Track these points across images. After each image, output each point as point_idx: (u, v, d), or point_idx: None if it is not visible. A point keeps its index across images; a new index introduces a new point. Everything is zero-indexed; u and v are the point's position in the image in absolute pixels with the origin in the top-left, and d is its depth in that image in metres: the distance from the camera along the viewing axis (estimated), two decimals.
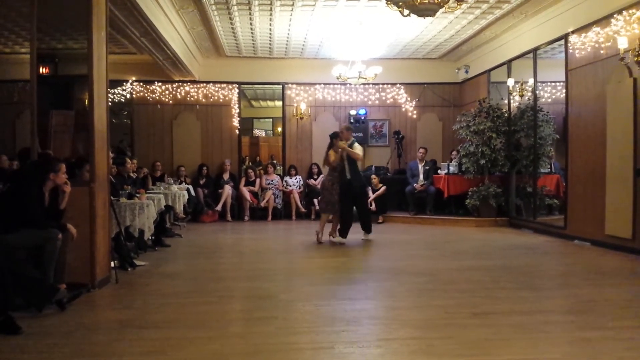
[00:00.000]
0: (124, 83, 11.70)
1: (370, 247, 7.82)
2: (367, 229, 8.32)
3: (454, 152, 11.14)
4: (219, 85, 12.04)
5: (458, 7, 6.18)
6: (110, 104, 5.85)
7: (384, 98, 12.43)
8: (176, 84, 11.89)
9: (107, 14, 5.53)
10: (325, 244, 7.89)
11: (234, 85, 12.08)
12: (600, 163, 7.32)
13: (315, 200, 11.44)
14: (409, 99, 12.42)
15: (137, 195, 6.89)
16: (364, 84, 11.31)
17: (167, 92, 11.90)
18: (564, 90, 8.45)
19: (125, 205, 6.52)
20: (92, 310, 4.51)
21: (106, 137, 5.46)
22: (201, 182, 11.41)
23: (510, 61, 9.99)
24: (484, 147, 10.02)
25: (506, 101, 10.42)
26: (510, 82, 9.98)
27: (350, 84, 11.17)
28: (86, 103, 5.38)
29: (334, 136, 8.25)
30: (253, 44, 10.81)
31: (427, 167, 11.09)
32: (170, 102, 11.91)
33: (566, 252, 7.38)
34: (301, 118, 12.25)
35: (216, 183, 11.56)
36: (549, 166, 9.90)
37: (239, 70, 12.01)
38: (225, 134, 12.07)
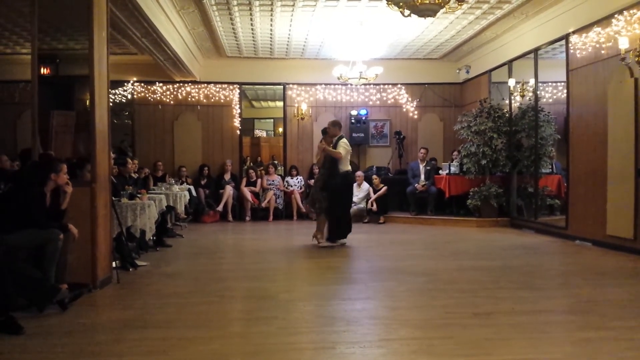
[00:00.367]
0: (125, 83, 11.71)
1: (370, 248, 7.81)
2: (329, 236, 7.73)
3: (455, 153, 11.13)
4: (220, 85, 12.05)
5: (459, 7, 6.18)
6: (111, 104, 5.86)
7: (385, 98, 12.43)
8: (177, 84, 11.90)
9: (108, 15, 5.54)
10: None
11: (235, 85, 12.09)
12: (602, 163, 7.31)
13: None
14: (410, 99, 12.42)
15: (139, 195, 6.89)
16: (364, 85, 11.31)
17: (168, 92, 11.91)
18: (565, 91, 8.45)
19: (126, 205, 6.52)
20: (93, 311, 4.52)
21: (107, 137, 5.47)
22: (202, 182, 11.42)
23: (511, 61, 9.99)
24: (485, 147, 10.02)
25: (507, 101, 10.41)
26: (511, 82, 9.98)
27: (351, 85, 11.17)
28: (87, 103, 5.38)
29: (325, 132, 8.10)
30: (254, 44, 10.82)
31: (428, 168, 11.09)
32: (172, 102, 11.92)
33: (567, 252, 7.38)
34: (302, 118, 12.26)
35: (217, 183, 11.57)
36: (550, 166, 9.89)
37: (240, 70, 12.02)
38: (226, 134, 12.08)
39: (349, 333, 3.81)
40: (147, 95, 11.88)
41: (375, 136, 12.47)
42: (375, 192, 10.94)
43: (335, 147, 7.71)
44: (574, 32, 7.90)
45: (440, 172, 11.05)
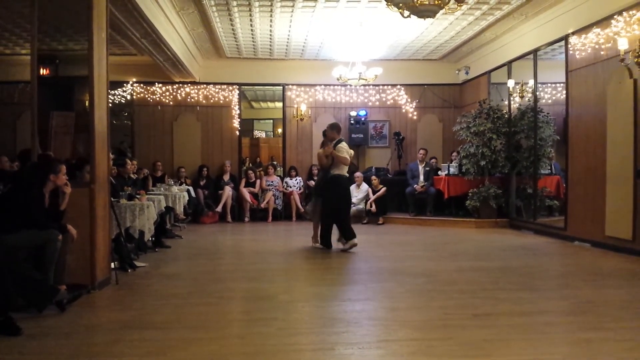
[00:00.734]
0: (125, 84, 11.72)
1: (370, 249, 7.80)
2: (321, 238, 7.64)
3: (454, 154, 11.14)
4: (219, 86, 12.05)
5: (458, 8, 6.18)
6: (110, 105, 5.85)
7: (384, 99, 12.44)
8: (176, 85, 11.91)
9: (108, 15, 5.54)
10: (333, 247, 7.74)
11: (234, 86, 12.10)
12: (601, 164, 7.32)
13: None
14: (409, 100, 12.42)
15: (138, 196, 6.89)
16: (364, 85, 11.31)
17: (167, 93, 11.91)
18: (564, 92, 8.45)
19: (125, 206, 6.52)
20: (92, 311, 4.51)
21: (106, 138, 5.47)
22: (201, 183, 11.42)
23: (510, 62, 10.00)
24: (484, 148, 10.02)
25: (506, 102, 10.42)
26: (511, 83, 9.99)
27: (350, 85, 11.17)
28: (87, 104, 5.38)
29: (325, 135, 7.89)
30: (253, 45, 10.82)
31: (427, 168, 11.10)
32: (171, 103, 11.92)
33: (566, 253, 7.38)
34: (301, 119, 12.26)
35: (216, 184, 11.57)
36: (549, 167, 9.89)
37: (239, 71, 12.02)
38: (225, 135, 12.08)
39: (348, 334, 3.81)
40: (147, 96, 11.88)
41: (374, 137, 12.48)
42: (374, 193, 10.94)
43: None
44: (573, 33, 7.91)
45: (439, 173, 11.05)
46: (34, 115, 5.14)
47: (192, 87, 11.98)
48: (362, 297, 4.96)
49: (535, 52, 9.11)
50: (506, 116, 10.26)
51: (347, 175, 7.78)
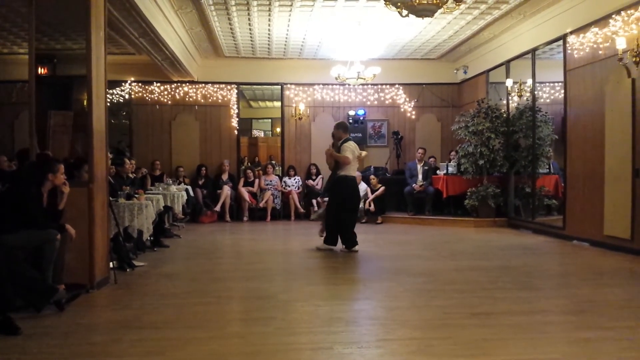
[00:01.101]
0: (123, 83, 11.70)
1: (369, 248, 7.80)
2: (326, 239, 7.48)
3: (453, 153, 11.14)
4: (217, 85, 12.04)
5: (456, 7, 6.17)
6: (109, 104, 5.85)
7: (382, 98, 12.44)
8: (175, 84, 11.89)
9: (106, 15, 5.52)
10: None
11: (232, 85, 12.09)
12: (599, 163, 7.33)
13: (314, 201, 11.48)
14: (407, 99, 12.42)
15: (136, 195, 6.88)
16: (362, 85, 11.32)
17: (165, 92, 11.90)
18: (562, 91, 8.46)
19: (124, 205, 6.52)
20: (90, 311, 4.50)
21: (105, 137, 5.45)
22: (200, 182, 11.41)
23: (508, 61, 10.01)
24: (482, 147, 10.03)
25: (505, 102, 10.43)
26: (509, 82, 10.00)
27: (349, 85, 11.17)
28: (85, 103, 5.38)
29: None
30: (252, 44, 10.81)
31: (425, 168, 11.11)
32: (169, 102, 11.91)
33: (565, 252, 7.39)
34: (300, 118, 12.25)
35: (215, 183, 11.55)
36: (547, 166, 9.90)
37: (238, 70, 12.01)
38: (224, 134, 12.07)
39: (348, 333, 3.81)
40: (145, 95, 11.86)
41: (373, 136, 12.48)
42: (373, 192, 10.95)
43: (339, 150, 7.34)
44: (571, 33, 7.91)
45: (437, 172, 11.05)
46: (32, 114, 5.13)
47: (190, 87, 11.97)
48: (361, 297, 4.96)
49: (533, 51, 9.12)
50: (504, 115, 10.27)
51: (354, 175, 7.59)
